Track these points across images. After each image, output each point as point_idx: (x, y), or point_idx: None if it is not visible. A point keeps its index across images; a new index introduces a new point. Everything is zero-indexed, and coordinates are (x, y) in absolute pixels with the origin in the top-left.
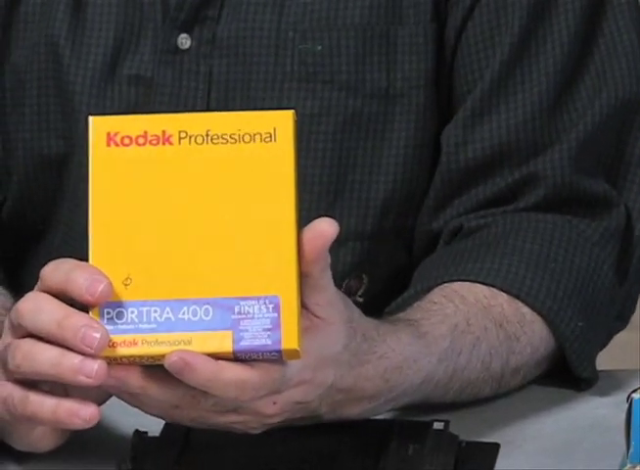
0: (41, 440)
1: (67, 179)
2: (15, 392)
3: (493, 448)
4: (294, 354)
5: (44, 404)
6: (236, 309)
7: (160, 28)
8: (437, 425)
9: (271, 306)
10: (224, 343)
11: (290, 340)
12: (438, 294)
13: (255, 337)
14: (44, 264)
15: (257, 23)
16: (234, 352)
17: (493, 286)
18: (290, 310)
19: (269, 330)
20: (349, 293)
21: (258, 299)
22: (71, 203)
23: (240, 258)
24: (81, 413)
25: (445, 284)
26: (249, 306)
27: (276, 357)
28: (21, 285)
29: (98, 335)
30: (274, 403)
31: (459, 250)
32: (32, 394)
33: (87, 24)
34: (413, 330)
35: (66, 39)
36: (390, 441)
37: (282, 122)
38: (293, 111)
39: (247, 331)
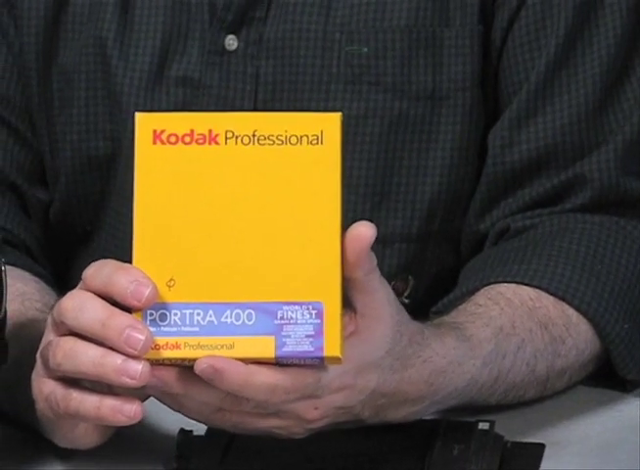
0: (84, 437)
1: (113, 180)
2: (57, 389)
3: (538, 449)
4: (335, 361)
5: (87, 402)
6: (279, 315)
7: (207, 30)
8: (483, 425)
9: (314, 312)
10: (266, 348)
11: (332, 347)
12: (484, 296)
13: (298, 343)
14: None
15: (304, 25)
16: (276, 358)
17: (539, 288)
18: (332, 317)
19: (312, 336)
20: (396, 294)
21: (302, 304)
22: (118, 204)
23: (283, 262)
24: (125, 410)
25: (491, 286)
26: (292, 312)
27: (318, 364)
28: (68, 285)
29: (142, 337)
30: (315, 408)
31: (505, 251)
32: (75, 391)
33: (135, 26)
34: (458, 333)
35: (114, 41)
36: (436, 441)
37: (329, 125)
38: (340, 113)
39: (289, 337)
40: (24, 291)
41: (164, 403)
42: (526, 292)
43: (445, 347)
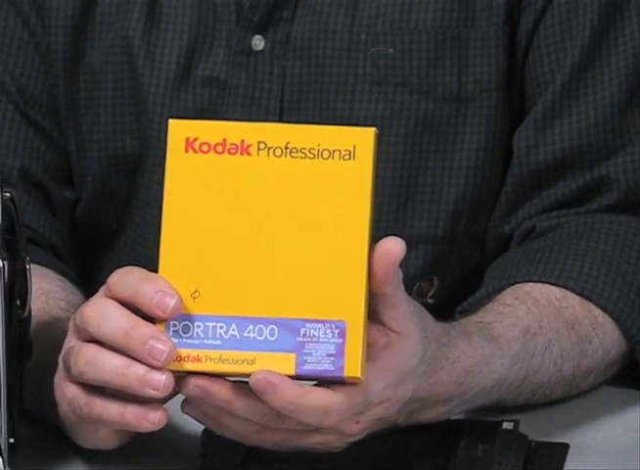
0: (107, 439)
1: (140, 180)
2: (80, 394)
3: (563, 449)
4: (356, 380)
5: (110, 408)
6: (301, 332)
7: (234, 30)
8: (507, 425)
9: (337, 332)
10: (287, 365)
11: (353, 367)
12: (510, 296)
13: (319, 362)
14: (117, 265)
15: (331, 25)
16: (296, 375)
17: (565, 288)
18: (355, 337)
19: (333, 356)
20: (420, 295)
21: (325, 322)
22: (144, 203)
23: (309, 278)
24: (150, 417)
25: (517, 285)
26: (314, 330)
27: (337, 381)
28: (93, 285)
29: (166, 349)
30: (357, 423)
31: (531, 250)
32: (98, 397)
33: (162, 26)
34: (485, 333)
35: (140, 40)
36: (460, 440)
37: (362, 141)
38: (374, 129)
39: (310, 355)
40: (49, 289)
41: (205, 424)
42: (553, 292)
43: (473, 346)
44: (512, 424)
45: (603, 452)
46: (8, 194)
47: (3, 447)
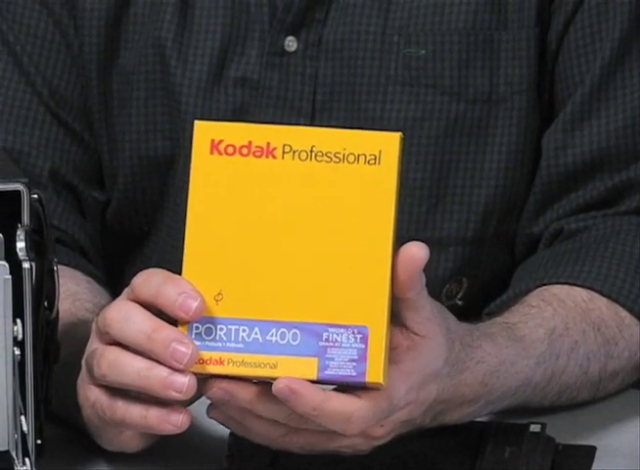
0: (130, 442)
1: (171, 180)
2: (103, 397)
3: (590, 452)
4: (378, 386)
5: (133, 411)
6: (324, 336)
7: (266, 31)
8: (534, 428)
9: (359, 337)
10: (309, 370)
11: (375, 373)
12: (537, 297)
13: (341, 367)
14: (147, 267)
15: (363, 27)
16: (318, 380)
17: (592, 289)
18: (377, 342)
19: (355, 361)
20: (449, 297)
21: (347, 327)
22: (176, 204)
23: (332, 283)
24: (172, 420)
25: (544, 287)
26: (337, 335)
27: (359, 386)
28: (122, 287)
29: (188, 351)
30: (381, 426)
31: (559, 252)
32: (121, 400)
33: (195, 27)
34: (510, 333)
35: (173, 41)
36: (487, 443)
37: (388, 145)
38: (399, 133)
39: (332, 360)
40: (76, 291)
41: (231, 428)
42: (580, 293)
43: (497, 347)
44: (539, 427)
45: (630, 455)
46: (36, 196)
47: (30, 449)
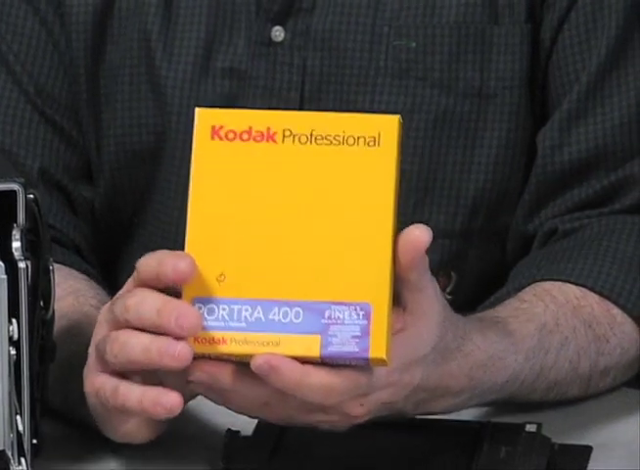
0: (136, 431)
1: (158, 173)
2: (107, 383)
3: (586, 451)
4: (380, 363)
5: (132, 394)
6: (326, 314)
7: (253, 21)
8: (530, 427)
9: (362, 313)
10: (312, 347)
11: (378, 349)
12: (529, 293)
13: (344, 343)
14: (137, 258)
15: (353, 17)
16: (321, 357)
17: (584, 286)
18: (380, 319)
19: (358, 337)
20: None
21: (349, 305)
22: (162, 196)
23: (333, 262)
24: (163, 401)
25: (537, 283)
26: (339, 312)
27: (362, 364)
28: (115, 282)
29: (192, 317)
30: (361, 405)
31: (553, 251)
32: (122, 384)
33: (179, 19)
34: (500, 328)
35: (158, 34)
36: (483, 443)
37: (387, 127)
38: (398, 116)
39: (335, 337)
40: (78, 288)
41: (209, 399)
42: (572, 290)
43: (487, 341)
44: (535, 426)
45: (626, 455)
46: (32, 195)
47: (26, 449)
